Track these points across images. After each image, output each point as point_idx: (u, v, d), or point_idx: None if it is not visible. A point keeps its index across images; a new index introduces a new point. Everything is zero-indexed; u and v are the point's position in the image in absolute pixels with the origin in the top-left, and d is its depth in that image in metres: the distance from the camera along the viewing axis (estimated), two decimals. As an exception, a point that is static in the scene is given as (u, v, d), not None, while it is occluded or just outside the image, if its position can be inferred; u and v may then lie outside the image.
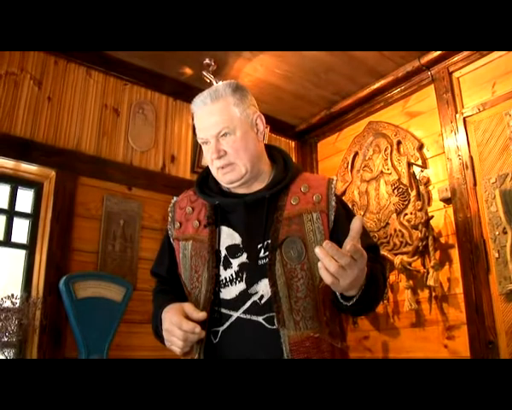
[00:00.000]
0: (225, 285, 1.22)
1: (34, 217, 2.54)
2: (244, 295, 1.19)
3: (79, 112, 2.70)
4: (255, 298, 1.18)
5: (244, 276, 1.21)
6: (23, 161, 2.45)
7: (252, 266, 1.21)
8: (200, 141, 1.32)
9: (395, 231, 2.84)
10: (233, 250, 1.24)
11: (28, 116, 2.50)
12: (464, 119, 2.63)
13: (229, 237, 1.26)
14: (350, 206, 3.06)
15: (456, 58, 2.71)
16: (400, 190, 2.88)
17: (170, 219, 1.38)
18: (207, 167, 1.40)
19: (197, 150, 3.08)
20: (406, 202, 2.83)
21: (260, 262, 1.20)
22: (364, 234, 1.19)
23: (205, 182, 1.38)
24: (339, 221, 1.23)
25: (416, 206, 2.75)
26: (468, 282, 2.46)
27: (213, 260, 1.23)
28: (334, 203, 1.25)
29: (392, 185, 2.93)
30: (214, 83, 2.93)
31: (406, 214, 2.81)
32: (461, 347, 2.45)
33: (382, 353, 2.80)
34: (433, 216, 2.67)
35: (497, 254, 2.36)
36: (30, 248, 2.48)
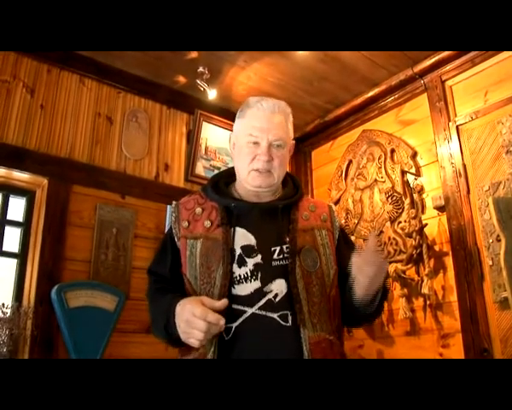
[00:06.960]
0: (239, 282, 1.27)
1: (26, 225, 2.51)
2: (259, 293, 1.25)
3: (72, 120, 2.69)
4: (270, 296, 1.24)
5: (259, 275, 1.27)
6: (15, 169, 2.44)
7: (266, 267, 1.28)
8: (248, 139, 1.37)
9: (389, 239, 2.84)
10: (248, 250, 1.30)
11: (21, 124, 2.48)
12: (457, 127, 2.64)
13: (243, 237, 1.32)
14: (344, 214, 3.11)
15: (448, 67, 2.73)
16: (394, 199, 2.88)
17: (174, 218, 1.42)
18: (218, 173, 1.57)
19: (191, 159, 3.07)
20: (400, 210, 2.83)
21: (274, 264, 1.29)
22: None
23: (215, 187, 1.45)
24: (340, 242, 1.42)
25: (409, 214, 2.75)
26: (462, 290, 2.46)
27: (228, 257, 1.28)
28: (337, 224, 1.45)
29: (386, 193, 2.93)
30: (208, 91, 2.93)
31: (400, 222, 2.81)
32: (456, 355, 2.44)
33: (377, 361, 2.79)
34: (426, 224, 2.67)
35: (490, 262, 2.36)
36: (21, 257, 2.46)
